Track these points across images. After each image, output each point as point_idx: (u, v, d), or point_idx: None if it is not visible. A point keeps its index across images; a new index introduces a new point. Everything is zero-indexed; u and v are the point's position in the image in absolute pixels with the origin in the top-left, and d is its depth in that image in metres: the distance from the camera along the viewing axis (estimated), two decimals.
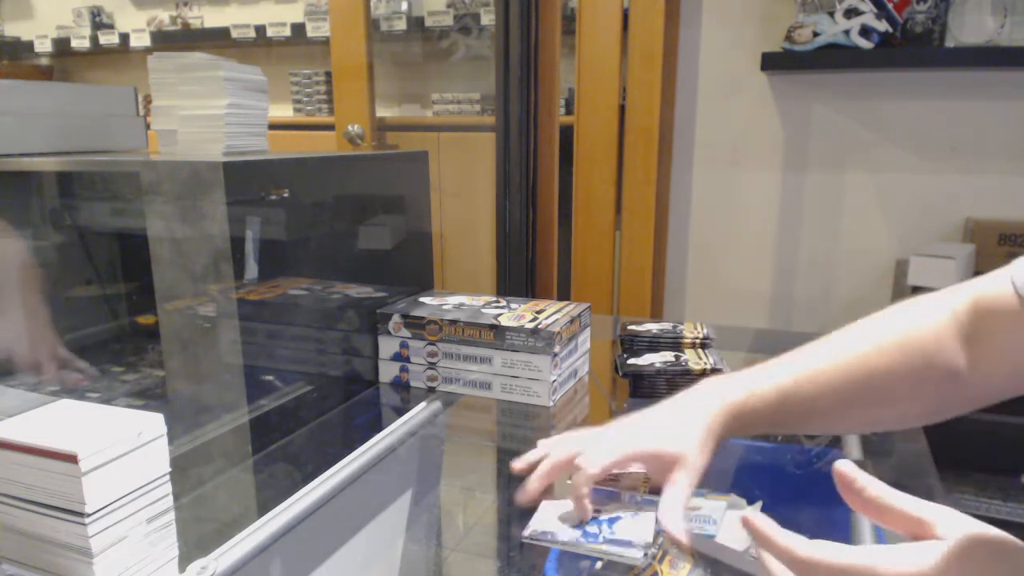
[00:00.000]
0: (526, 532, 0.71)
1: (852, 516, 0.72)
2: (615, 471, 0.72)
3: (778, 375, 0.70)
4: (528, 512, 0.74)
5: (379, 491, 0.86)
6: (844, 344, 0.70)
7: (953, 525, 0.47)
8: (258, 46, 3.17)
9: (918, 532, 0.48)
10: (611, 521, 0.71)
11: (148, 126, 1.26)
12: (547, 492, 0.74)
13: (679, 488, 0.65)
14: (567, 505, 0.75)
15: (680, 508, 0.64)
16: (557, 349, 1.04)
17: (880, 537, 0.69)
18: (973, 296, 0.67)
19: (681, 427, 0.69)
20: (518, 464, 0.76)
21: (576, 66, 2.23)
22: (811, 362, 0.70)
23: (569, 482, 0.79)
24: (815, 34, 1.97)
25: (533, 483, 0.72)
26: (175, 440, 0.76)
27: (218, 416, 0.92)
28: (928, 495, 0.81)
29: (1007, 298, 0.63)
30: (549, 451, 0.74)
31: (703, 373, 1.06)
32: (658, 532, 0.70)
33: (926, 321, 0.68)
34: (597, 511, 0.74)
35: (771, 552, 0.50)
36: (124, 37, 3.26)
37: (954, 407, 0.69)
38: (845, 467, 0.51)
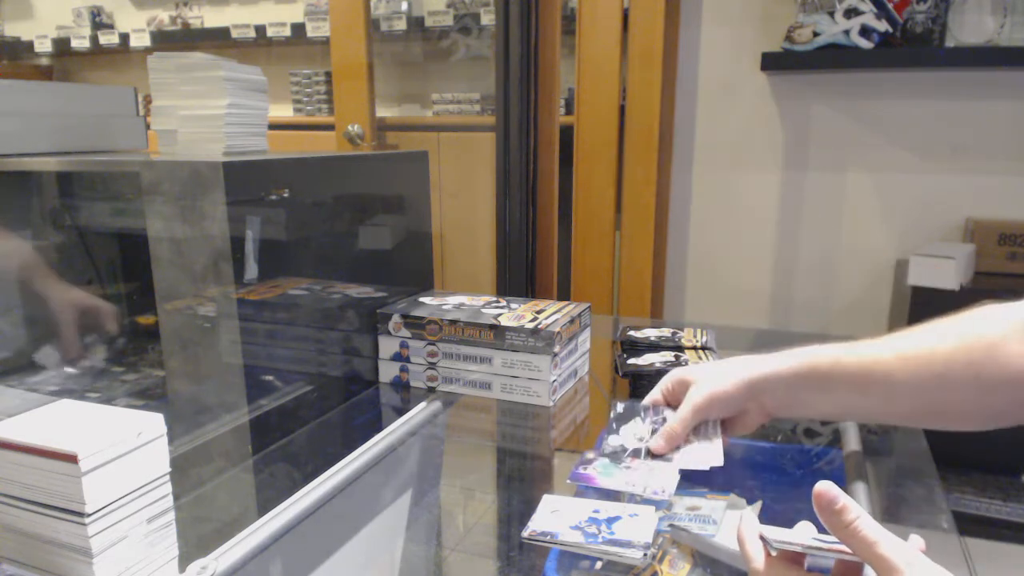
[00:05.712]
0: (526, 532, 0.71)
1: None
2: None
3: (862, 347, 0.72)
4: (528, 512, 0.74)
5: (379, 491, 0.86)
6: (919, 331, 0.71)
7: (916, 564, 0.45)
8: (258, 46, 3.17)
9: (882, 570, 0.47)
10: (611, 521, 0.71)
11: (148, 126, 1.26)
12: (544, 485, 0.74)
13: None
14: (568, 501, 0.75)
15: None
16: (557, 349, 1.04)
17: None
18: None
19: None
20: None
21: (576, 66, 2.23)
22: (892, 343, 0.71)
23: (569, 481, 0.79)
24: (815, 34, 1.97)
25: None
26: (175, 440, 0.76)
27: (218, 416, 0.92)
28: (928, 495, 0.81)
29: None
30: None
31: None
32: (658, 532, 0.70)
33: (996, 320, 0.68)
34: (601, 507, 0.74)
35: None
36: (124, 37, 3.26)
37: (1019, 414, 0.67)
38: (825, 487, 0.50)
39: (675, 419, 0.78)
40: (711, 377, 0.78)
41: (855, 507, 0.49)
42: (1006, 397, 0.66)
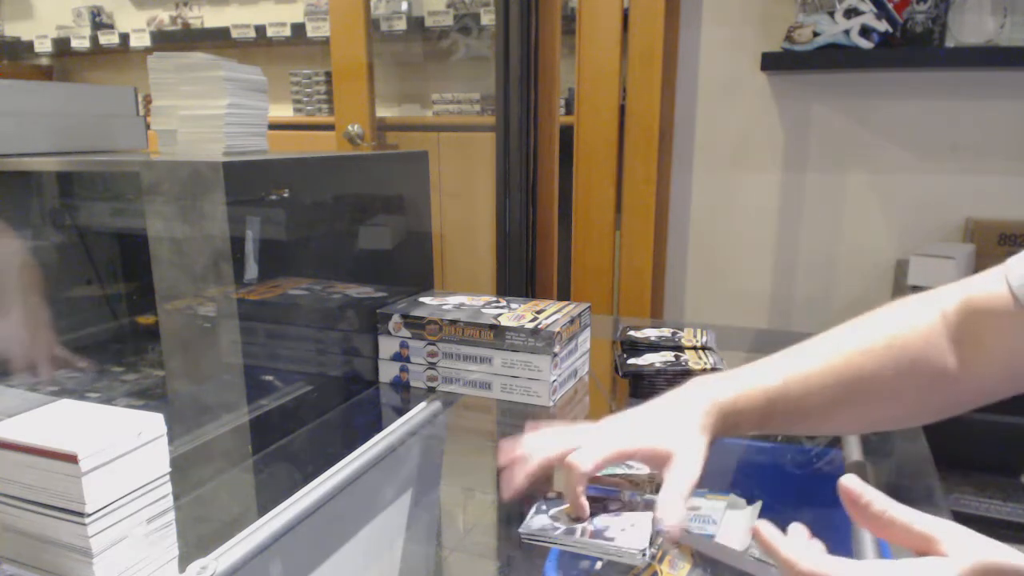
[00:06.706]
0: (521, 528, 0.71)
1: None
2: (621, 472, 0.71)
3: (766, 376, 0.70)
4: (527, 510, 0.74)
5: (379, 491, 0.86)
6: (833, 344, 0.70)
7: (960, 543, 0.46)
8: (258, 46, 3.17)
9: (923, 548, 0.47)
10: (611, 521, 0.71)
11: (148, 126, 1.26)
12: (544, 485, 0.73)
13: (675, 486, 0.63)
14: (564, 500, 0.75)
15: (677, 507, 0.62)
16: (557, 349, 1.04)
17: (881, 543, 0.69)
18: (964, 296, 0.66)
19: (674, 424, 0.67)
20: (502, 459, 0.71)
21: (576, 66, 2.23)
22: (799, 363, 0.70)
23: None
24: (815, 34, 1.97)
25: (519, 480, 0.68)
26: (175, 440, 0.76)
27: (218, 416, 0.92)
28: (928, 495, 0.81)
29: (1000, 298, 0.62)
30: (535, 447, 0.70)
31: (703, 373, 1.06)
32: (657, 532, 0.70)
33: (915, 321, 0.67)
34: (601, 509, 0.74)
35: (776, 562, 0.50)
36: (124, 37, 3.26)
37: (946, 408, 0.68)
38: (850, 483, 0.50)
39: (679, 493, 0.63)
40: (686, 447, 0.66)
41: (881, 497, 0.49)
42: (943, 396, 0.67)
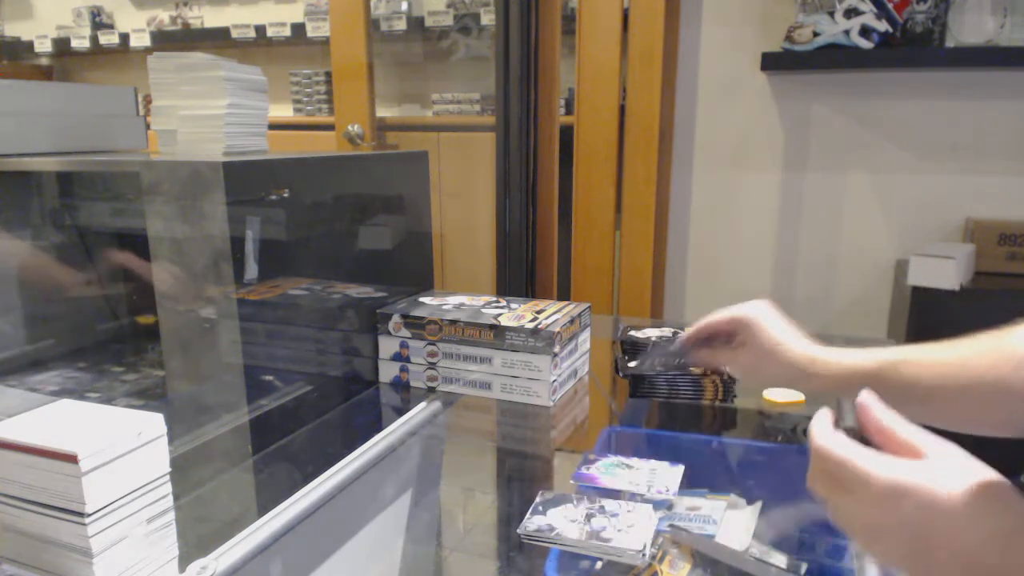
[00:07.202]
0: (520, 528, 0.71)
1: None
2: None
3: (884, 354, 0.75)
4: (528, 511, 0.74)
5: (379, 491, 0.86)
6: (952, 343, 0.73)
7: (941, 451, 0.51)
8: (258, 46, 3.17)
9: (912, 457, 0.51)
10: (611, 521, 0.71)
11: (148, 126, 1.26)
12: (544, 484, 0.74)
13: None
14: (563, 499, 0.76)
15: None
16: (557, 349, 1.04)
17: None
18: None
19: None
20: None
21: (576, 66, 2.23)
22: (920, 351, 0.73)
23: (573, 482, 0.78)
24: (815, 34, 1.97)
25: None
26: (175, 440, 0.76)
27: (218, 416, 0.92)
28: None
29: None
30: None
31: (704, 373, 1.06)
32: (658, 532, 0.70)
33: None
34: (602, 507, 0.74)
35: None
36: (124, 37, 3.26)
37: None
38: (867, 398, 0.55)
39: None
40: (787, 339, 0.85)
41: (890, 416, 0.54)
42: None
